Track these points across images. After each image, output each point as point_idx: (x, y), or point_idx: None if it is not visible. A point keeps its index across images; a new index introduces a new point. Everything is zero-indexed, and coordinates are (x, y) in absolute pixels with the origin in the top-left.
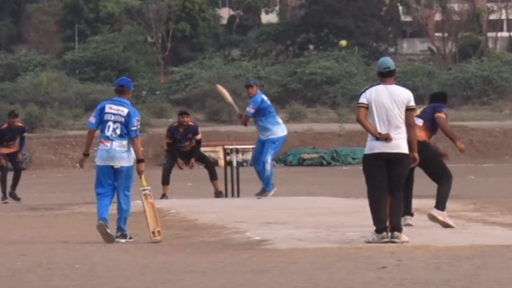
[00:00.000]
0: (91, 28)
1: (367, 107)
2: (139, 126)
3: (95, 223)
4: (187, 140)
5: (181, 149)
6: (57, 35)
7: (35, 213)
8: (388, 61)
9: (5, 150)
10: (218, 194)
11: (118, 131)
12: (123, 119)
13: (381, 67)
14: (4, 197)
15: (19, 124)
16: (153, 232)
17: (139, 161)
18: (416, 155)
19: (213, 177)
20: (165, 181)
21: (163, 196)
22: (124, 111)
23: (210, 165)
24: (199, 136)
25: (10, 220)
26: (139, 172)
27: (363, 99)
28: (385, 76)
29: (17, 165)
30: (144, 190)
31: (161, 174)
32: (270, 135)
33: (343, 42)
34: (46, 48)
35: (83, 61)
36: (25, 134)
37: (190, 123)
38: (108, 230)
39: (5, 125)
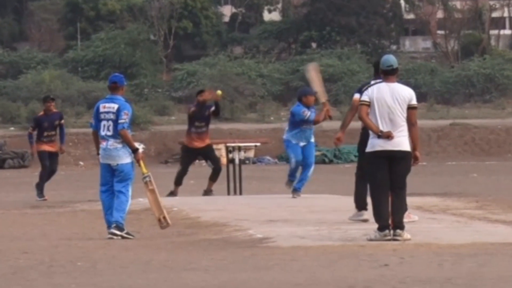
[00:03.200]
0: (93, 26)
1: (369, 105)
2: (127, 120)
3: (99, 222)
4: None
5: (197, 129)
6: (59, 33)
7: (37, 210)
8: (391, 59)
9: (46, 147)
10: (207, 192)
11: (110, 129)
12: (114, 116)
13: (384, 65)
14: (41, 194)
15: (55, 109)
16: (159, 220)
17: (133, 151)
18: (418, 153)
19: (213, 179)
20: (178, 182)
21: (171, 193)
22: (115, 107)
23: (217, 169)
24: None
25: (12, 217)
26: (137, 161)
27: (365, 97)
28: (388, 74)
29: (54, 166)
30: (144, 177)
31: (175, 175)
32: (311, 138)
33: (219, 92)
34: (49, 46)
35: (85, 59)
36: (63, 121)
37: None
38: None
39: (41, 113)
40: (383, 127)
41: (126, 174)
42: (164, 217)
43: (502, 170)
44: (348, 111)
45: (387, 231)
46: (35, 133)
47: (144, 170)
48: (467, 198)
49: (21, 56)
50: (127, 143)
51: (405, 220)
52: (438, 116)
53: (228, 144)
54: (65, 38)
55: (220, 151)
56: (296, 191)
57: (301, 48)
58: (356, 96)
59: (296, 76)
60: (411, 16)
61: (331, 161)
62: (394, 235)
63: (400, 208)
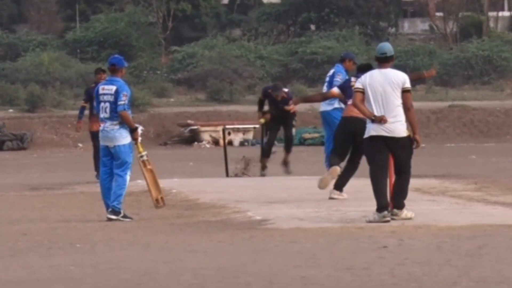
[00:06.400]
0: (92, 8)
1: (363, 92)
2: (126, 101)
3: (98, 204)
4: (278, 108)
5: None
6: (58, 15)
7: (36, 192)
8: (385, 47)
9: (97, 127)
10: (285, 164)
11: (107, 111)
12: (112, 98)
13: (378, 53)
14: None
15: None
16: (156, 200)
17: (132, 130)
18: (417, 137)
19: (286, 150)
20: (266, 154)
21: (264, 167)
22: (113, 89)
23: (289, 137)
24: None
25: (11, 199)
26: (134, 139)
27: (358, 84)
28: (381, 61)
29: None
30: (141, 156)
31: (261, 148)
32: None
33: (262, 120)
34: (47, 28)
35: (85, 40)
36: None
37: (284, 95)
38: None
39: (93, 85)
40: (377, 112)
41: (124, 157)
42: (162, 198)
43: (501, 152)
44: (322, 93)
45: (385, 212)
46: (87, 107)
47: (141, 149)
48: (466, 180)
49: (20, 38)
50: (127, 123)
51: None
52: (436, 98)
53: (227, 126)
54: (63, 20)
55: (218, 133)
56: None
57: (300, 30)
58: (336, 90)
59: (295, 58)
60: None
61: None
62: (392, 214)
63: (402, 190)
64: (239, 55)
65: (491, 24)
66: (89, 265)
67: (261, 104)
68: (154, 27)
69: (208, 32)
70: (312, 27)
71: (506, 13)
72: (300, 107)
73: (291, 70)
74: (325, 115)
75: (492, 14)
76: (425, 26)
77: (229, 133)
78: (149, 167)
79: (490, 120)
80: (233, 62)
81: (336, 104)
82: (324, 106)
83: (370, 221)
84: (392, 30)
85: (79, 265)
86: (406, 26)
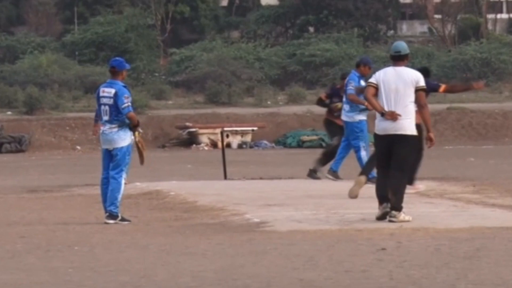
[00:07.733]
0: (90, 10)
1: (376, 87)
2: (129, 103)
3: (96, 206)
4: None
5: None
6: (56, 17)
7: (34, 195)
8: (400, 46)
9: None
10: (313, 171)
11: (107, 114)
12: (111, 101)
13: (393, 51)
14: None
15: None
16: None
17: (135, 125)
18: (431, 135)
19: (322, 161)
20: (325, 160)
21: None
22: (112, 92)
23: (331, 150)
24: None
25: (9, 202)
26: (134, 131)
27: (372, 79)
28: (396, 59)
29: None
30: (135, 137)
31: (324, 152)
32: None
33: (338, 105)
34: (46, 30)
35: (83, 42)
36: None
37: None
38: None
39: None
40: (388, 109)
41: (121, 159)
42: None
43: (499, 154)
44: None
45: (384, 204)
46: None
47: (137, 134)
48: (464, 182)
49: (18, 40)
50: (132, 122)
51: (411, 191)
52: (435, 100)
53: (225, 128)
54: (62, 22)
55: (217, 135)
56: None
57: (298, 32)
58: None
59: (293, 60)
60: (408, 0)
61: (328, 145)
62: (390, 216)
63: (397, 190)
64: (237, 57)
65: (490, 26)
66: (88, 268)
67: (321, 102)
68: (153, 29)
69: (206, 34)
70: (311, 29)
71: (504, 16)
72: (298, 110)
73: (289, 72)
74: (346, 125)
75: (490, 16)
76: (424, 28)
77: (227, 136)
78: (140, 140)
79: (489, 123)
80: (232, 64)
81: (360, 116)
82: (345, 117)
83: (377, 218)
84: (391, 32)
85: (77, 267)
86: (405, 28)
